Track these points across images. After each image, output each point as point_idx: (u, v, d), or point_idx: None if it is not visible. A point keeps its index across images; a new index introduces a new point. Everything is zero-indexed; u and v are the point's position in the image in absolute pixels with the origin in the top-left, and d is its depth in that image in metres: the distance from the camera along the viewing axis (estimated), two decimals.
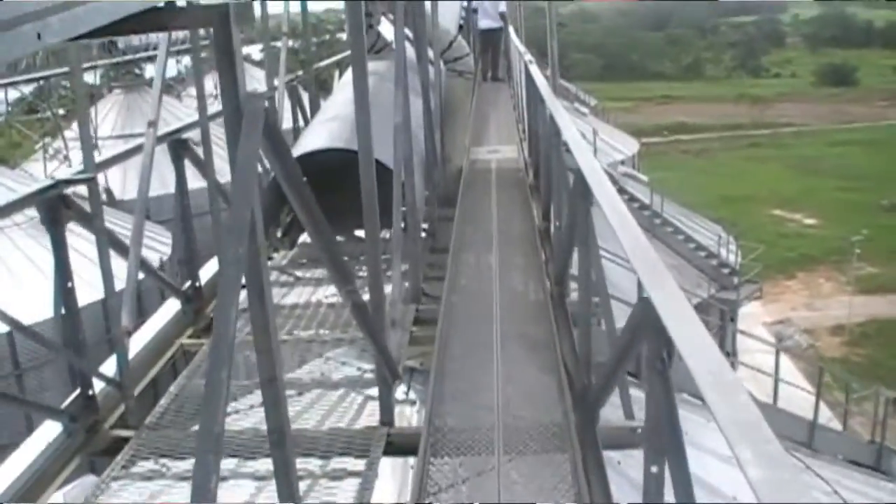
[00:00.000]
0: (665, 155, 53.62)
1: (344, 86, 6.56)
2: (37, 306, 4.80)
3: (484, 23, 14.51)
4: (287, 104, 7.02)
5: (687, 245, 16.66)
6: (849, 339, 33.05)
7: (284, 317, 4.36)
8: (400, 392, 4.57)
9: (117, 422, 3.55)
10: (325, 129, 5.19)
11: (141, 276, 4.04)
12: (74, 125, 22.98)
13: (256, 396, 3.29)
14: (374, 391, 3.19)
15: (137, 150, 4.53)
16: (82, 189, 3.68)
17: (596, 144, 18.15)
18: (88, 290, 4.18)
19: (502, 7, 14.76)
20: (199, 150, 4.89)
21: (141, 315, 4.54)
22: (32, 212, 3.72)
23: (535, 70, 6.27)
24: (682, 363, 1.59)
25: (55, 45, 1.26)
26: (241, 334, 2.62)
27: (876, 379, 29.51)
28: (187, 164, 4.87)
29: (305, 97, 7.97)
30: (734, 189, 48.52)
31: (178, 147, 4.76)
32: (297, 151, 5.19)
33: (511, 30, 12.65)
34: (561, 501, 2.53)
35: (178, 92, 28.11)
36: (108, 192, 16.91)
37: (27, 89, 24.89)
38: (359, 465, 2.95)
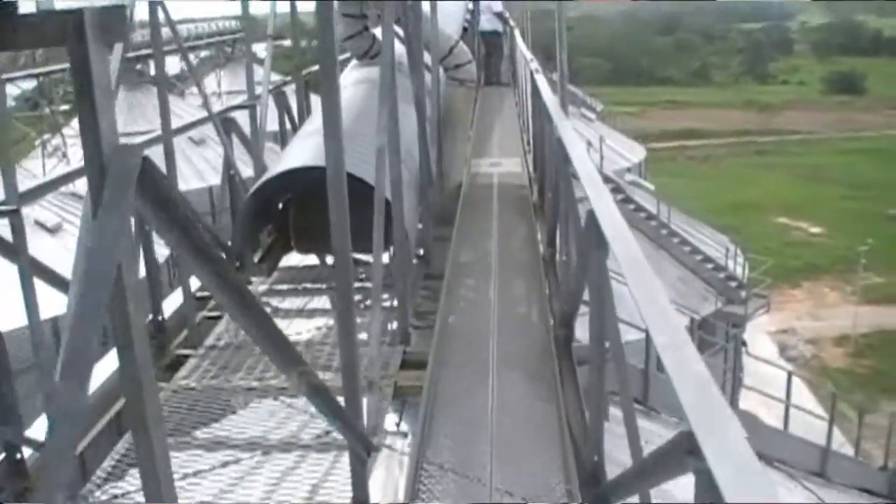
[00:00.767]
0: (671, 161, 53.20)
1: None
2: None
3: (484, 25, 14.09)
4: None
5: (694, 257, 16.21)
6: (853, 349, 32.77)
7: (256, 357, 3.91)
8: (390, 422, 4.14)
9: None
10: (309, 144, 4.71)
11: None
12: (74, 122, 22.74)
13: None
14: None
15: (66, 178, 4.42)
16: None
17: (602, 152, 17.67)
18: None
19: (498, 7, 14.32)
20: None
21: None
22: None
23: (542, 82, 5.81)
24: None
25: None
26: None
27: (880, 390, 29.27)
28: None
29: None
30: (740, 196, 48.19)
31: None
32: (278, 167, 4.80)
33: (517, 33, 12.14)
34: None
35: (182, 90, 27.89)
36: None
37: (26, 85, 24.56)
38: None
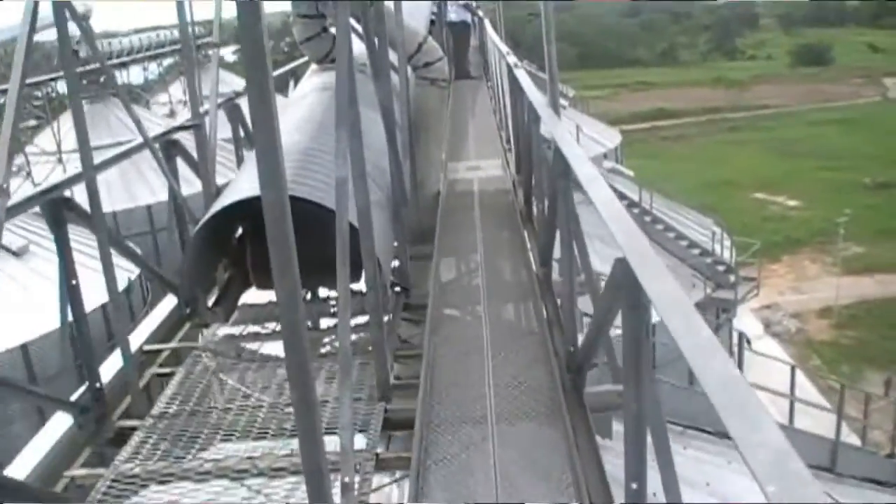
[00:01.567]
0: (643, 143, 53.05)
1: (294, 102, 5.41)
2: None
3: (451, 15, 13.47)
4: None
5: (679, 243, 15.81)
6: (837, 321, 32.85)
7: (212, 426, 3.31)
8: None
9: None
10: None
11: None
12: (38, 139, 21.95)
13: None
14: None
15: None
16: None
17: (579, 140, 17.19)
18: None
19: None
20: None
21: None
22: None
23: (524, 78, 5.23)
24: None
25: None
26: None
27: (866, 361, 29.30)
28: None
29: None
30: (715, 174, 48.22)
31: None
32: (228, 197, 4.14)
33: (487, 23, 11.56)
34: None
35: (146, 100, 27.19)
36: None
37: None
38: None
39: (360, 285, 3.54)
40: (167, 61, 30.83)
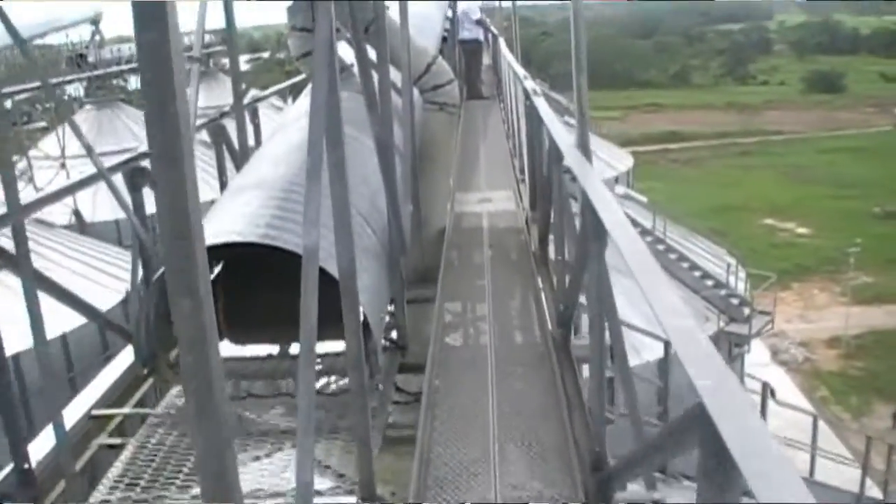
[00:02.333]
0: (653, 165, 52.71)
1: (286, 125, 4.86)
2: None
3: (463, 34, 13.03)
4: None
5: (693, 273, 15.27)
6: (846, 351, 32.37)
7: None
8: None
9: None
10: (241, 204, 3.48)
11: None
12: (41, 143, 21.65)
13: None
14: None
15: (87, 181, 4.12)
16: None
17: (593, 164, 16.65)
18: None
19: (477, 14, 13.33)
20: None
21: None
22: None
23: (545, 110, 4.64)
24: None
25: None
26: None
27: (875, 392, 28.72)
28: None
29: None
30: (725, 199, 47.90)
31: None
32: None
33: (502, 42, 11.08)
34: None
35: None
36: (77, 214, 15.70)
37: None
38: None
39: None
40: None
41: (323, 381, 3.72)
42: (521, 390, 3.42)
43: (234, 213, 3.46)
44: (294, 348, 3.99)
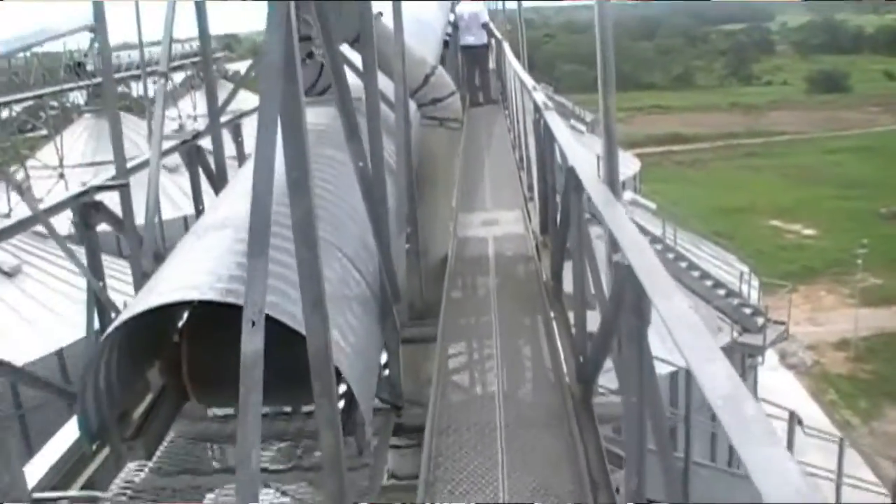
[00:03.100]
0: (658, 166, 52.51)
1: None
2: None
3: (467, 39, 12.60)
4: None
5: (704, 282, 14.99)
6: (854, 354, 32.12)
7: None
8: None
9: None
10: (206, 247, 3.02)
11: None
12: (39, 154, 21.61)
13: None
14: None
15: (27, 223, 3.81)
16: None
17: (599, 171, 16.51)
18: None
19: (484, 17, 12.88)
20: None
21: None
22: None
23: (562, 132, 4.26)
24: None
25: None
26: None
27: (885, 395, 28.45)
28: None
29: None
30: (730, 200, 47.71)
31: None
32: (153, 295, 2.88)
33: (507, 47, 10.76)
34: None
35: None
36: (77, 224, 15.56)
37: None
38: None
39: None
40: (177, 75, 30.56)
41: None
42: (535, 468, 2.94)
43: (194, 260, 3.03)
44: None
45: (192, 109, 24.66)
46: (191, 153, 5.03)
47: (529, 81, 5.95)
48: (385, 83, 3.92)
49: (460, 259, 5.35)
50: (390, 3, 4.32)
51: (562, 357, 3.78)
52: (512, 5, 16.35)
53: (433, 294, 4.67)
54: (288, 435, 3.46)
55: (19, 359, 10.50)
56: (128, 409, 3.06)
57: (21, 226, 3.76)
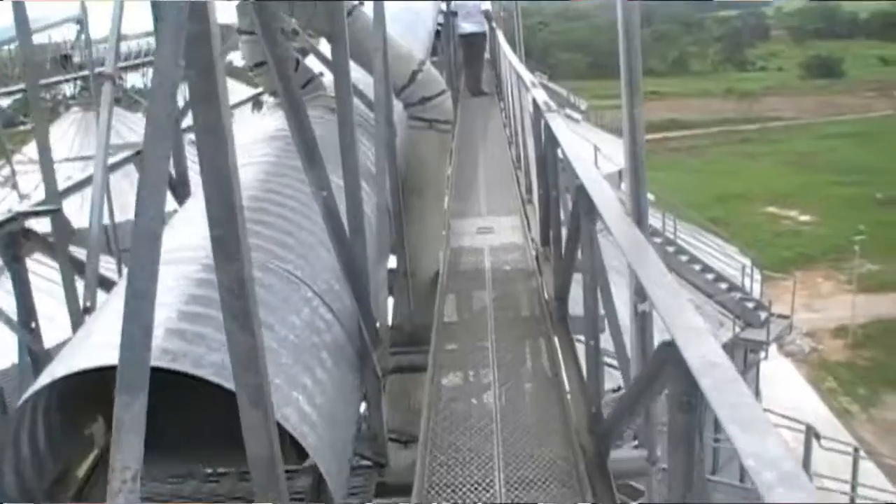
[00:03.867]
0: (654, 153, 52.20)
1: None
2: None
3: (465, 26, 12.19)
4: None
5: (705, 276, 14.70)
6: (852, 341, 32.07)
7: None
8: None
9: None
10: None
11: None
12: (26, 148, 21.17)
13: None
14: None
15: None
16: None
17: (597, 161, 16.22)
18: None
19: (486, 4, 12.48)
20: None
21: None
22: None
23: (566, 139, 3.86)
24: None
25: None
26: None
27: (883, 382, 28.34)
28: None
29: None
30: (726, 187, 47.57)
31: None
32: (78, 356, 2.40)
33: (501, 36, 10.36)
34: None
35: (145, 106, 26.55)
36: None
37: None
38: None
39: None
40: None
41: None
42: None
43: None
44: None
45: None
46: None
47: (528, 77, 5.52)
48: (368, 81, 3.52)
49: (453, 275, 4.85)
50: None
51: (569, 404, 3.30)
52: None
53: (423, 315, 4.27)
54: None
55: None
56: (69, 467, 2.64)
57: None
